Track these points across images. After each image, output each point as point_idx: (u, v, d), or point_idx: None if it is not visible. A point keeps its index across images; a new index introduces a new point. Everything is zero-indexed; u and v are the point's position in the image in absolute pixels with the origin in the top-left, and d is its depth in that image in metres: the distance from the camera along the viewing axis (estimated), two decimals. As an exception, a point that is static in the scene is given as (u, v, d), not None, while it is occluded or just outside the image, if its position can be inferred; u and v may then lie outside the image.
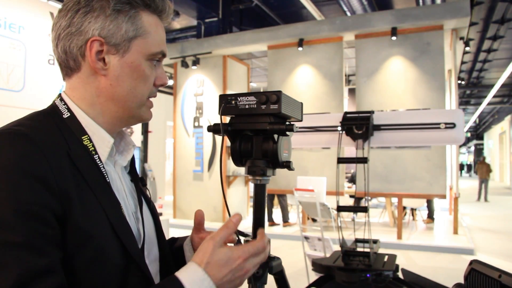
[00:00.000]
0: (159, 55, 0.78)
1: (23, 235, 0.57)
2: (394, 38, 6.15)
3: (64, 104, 0.74)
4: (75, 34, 0.71)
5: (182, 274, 0.64)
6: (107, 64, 0.72)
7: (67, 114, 0.72)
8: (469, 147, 36.02)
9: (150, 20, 0.77)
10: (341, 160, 2.59)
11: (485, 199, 12.78)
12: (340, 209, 2.61)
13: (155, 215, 0.87)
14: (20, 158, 0.59)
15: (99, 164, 0.71)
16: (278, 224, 7.34)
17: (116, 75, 0.73)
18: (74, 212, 0.63)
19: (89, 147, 0.71)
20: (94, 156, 0.71)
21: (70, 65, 0.74)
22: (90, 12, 0.71)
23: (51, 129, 0.68)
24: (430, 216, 7.50)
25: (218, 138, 7.40)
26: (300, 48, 6.83)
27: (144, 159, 10.69)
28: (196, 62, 7.73)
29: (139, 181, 0.85)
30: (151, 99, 0.80)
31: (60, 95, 0.76)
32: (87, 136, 0.72)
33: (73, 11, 0.71)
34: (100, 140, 0.74)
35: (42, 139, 0.64)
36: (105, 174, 0.71)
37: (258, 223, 0.97)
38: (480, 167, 13.07)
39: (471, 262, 0.80)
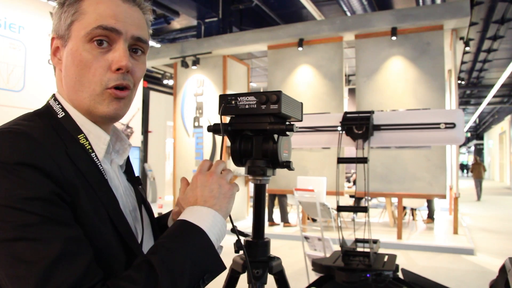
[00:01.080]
0: (98, 30, 0.69)
1: (40, 215, 0.57)
2: (394, 38, 6.15)
3: (58, 104, 0.74)
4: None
5: (184, 216, 0.71)
6: (60, 58, 0.74)
7: (61, 114, 0.72)
8: (469, 147, 36.02)
9: (94, 0, 0.71)
10: (341, 160, 2.59)
11: (479, 198, 12.98)
12: (340, 209, 2.61)
13: (151, 214, 0.87)
14: (24, 154, 0.59)
15: (97, 162, 0.71)
16: (278, 224, 7.34)
17: (65, 66, 0.73)
18: (82, 204, 0.63)
19: (85, 145, 0.70)
20: (91, 154, 0.71)
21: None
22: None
23: (47, 129, 0.68)
24: (430, 216, 7.50)
25: (218, 138, 7.40)
26: (300, 48, 6.83)
27: (144, 159, 10.71)
28: (196, 62, 7.73)
29: (136, 181, 0.84)
30: (117, 89, 0.72)
31: (54, 95, 0.76)
32: (83, 134, 0.71)
33: None
34: (96, 138, 0.73)
35: (42, 138, 0.64)
36: (102, 172, 0.71)
37: (258, 223, 0.97)
38: (476, 168, 13.23)
39: (509, 259, 0.86)
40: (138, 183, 0.85)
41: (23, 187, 0.57)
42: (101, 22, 0.69)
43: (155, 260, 0.63)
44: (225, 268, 0.71)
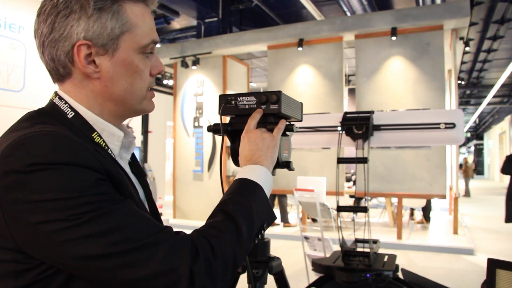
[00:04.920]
0: (151, 45, 0.75)
1: (99, 199, 0.59)
2: (394, 38, 6.14)
3: (65, 103, 0.71)
4: (59, 40, 0.68)
5: (245, 175, 0.80)
6: (98, 67, 0.70)
7: (71, 114, 0.70)
8: (469, 147, 36.00)
9: (136, 10, 0.72)
10: (341, 160, 2.59)
11: (469, 195, 14.01)
12: (340, 209, 2.61)
13: (155, 207, 0.88)
14: (69, 154, 0.59)
15: (115, 159, 0.72)
16: (278, 224, 7.34)
17: (110, 76, 0.71)
18: (126, 195, 0.67)
19: (101, 143, 0.70)
20: (108, 151, 0.71)
21: (60, 72, 0.71)
22: (71, 15, 0.67)
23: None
24: (426, 217, 7.49)
25: (218, 138, 7.39)
26: (300, 48, 6.82)
27: (144, 159, 10.70)
28: (196, 62, 7.73)
29: (141, 173, 0.85)
30: (151, 90, 0.80)
31: (57, 93, 0.73)
32: (96, 133, 0.71)
33: (53, 15, 0.68)
34: (110, 135, 0.74)
35: (74, 137, 0.64)
36: (122, 167, 0.72)
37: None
38: (468, 168, 14.51)
39: None
40: (143, 174, 0.86)
41: (72, 180, 0.58)
42: (153, 37, 0.75)
43: (231, 211, 0.71)
44: (276, 218, 0.81)
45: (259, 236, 0.76)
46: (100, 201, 0.59)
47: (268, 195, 0.80)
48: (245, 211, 0.72)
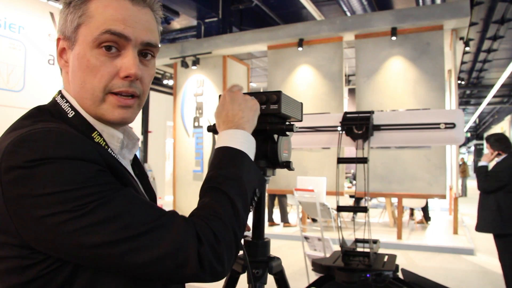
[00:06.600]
0: (106, 35, 0.67)
1: (100, 189, 0.60)
2: (394, 38, 6.15)
3: (66, 102, 0.72)
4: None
5: (224, 143, 0.79)
6: (67, 61, 0.72)
7: (72, 113, 0.70)
8: (469, 147, 35.99)
9: (104, 2, 0.68)
10: (341, 160, 2.59)
11: (465, 194, 14.72)
12: (340, 209, 2.61)
13: None
14: (72, 149, 0.60)
15: (116, 158, 0.71)
16: (278, 224, 7.34)
17: (72, 70, 0.71)
18: (128, 185, 0.67)
19: (101, 143, 0.70)
20: (108, 150, 0.71)
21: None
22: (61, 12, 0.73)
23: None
24: (426, 216, 7.49)
25: (218, 138, 7.38)
26: (300, 48, 6.82)
27: (144, 159, 10.70)
28: (196, 62, 7.73)
29: (145, 175, 0.85)
30: (123, 96, 0.70)
31: (60, 92, 0.74)
32: (96, 132, 0.71)
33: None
34: (110, 136, 0.73)
35: (76, 133, 0.64)
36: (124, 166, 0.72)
37: (258, 223, 0.97)
38: (465, 167, 15.20)
39: None
40: (146, 176, 0.86)
41: (74, 173, 0.59)
42: (109, 27, 0.66)
43: (223, 187, 0.70)
44: (266, 181, 0.81)
45: (253, 204, 0.76)
46: (103, 190, 0.59)
47: (252, 158, 0.79)
48: (237, 184, 0.72)
